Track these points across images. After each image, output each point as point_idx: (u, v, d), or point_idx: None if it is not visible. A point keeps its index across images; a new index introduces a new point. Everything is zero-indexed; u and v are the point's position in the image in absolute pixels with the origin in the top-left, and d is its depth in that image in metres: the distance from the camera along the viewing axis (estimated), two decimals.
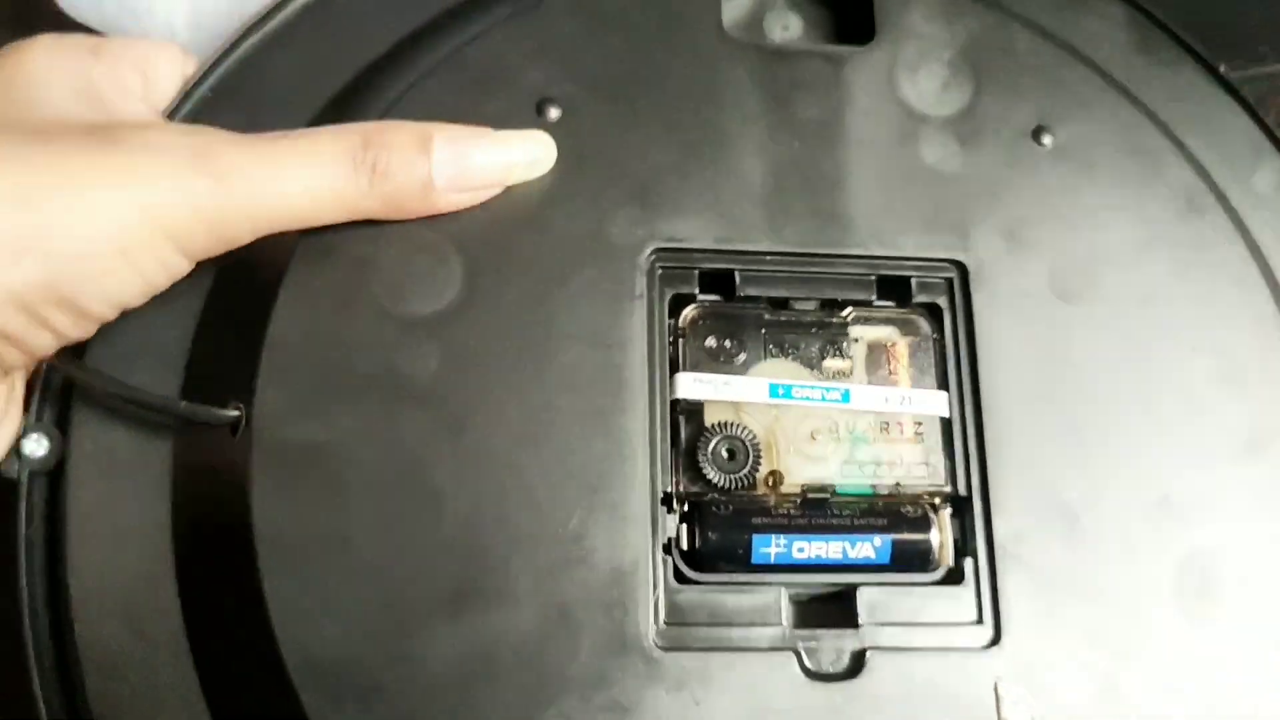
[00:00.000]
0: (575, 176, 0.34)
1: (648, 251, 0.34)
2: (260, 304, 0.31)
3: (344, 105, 0.34)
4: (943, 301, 0.36)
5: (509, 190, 0.33)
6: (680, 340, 0.34)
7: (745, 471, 0.33)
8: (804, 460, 0.34)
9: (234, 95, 0.34)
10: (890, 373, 0.35)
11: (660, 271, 0.34)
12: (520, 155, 0.33)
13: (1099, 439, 0.34)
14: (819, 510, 0.33)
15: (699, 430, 0.33)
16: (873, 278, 0.35)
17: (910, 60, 0.37)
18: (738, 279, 0.35)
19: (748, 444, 0.33)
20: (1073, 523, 0.33)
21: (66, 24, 0.37)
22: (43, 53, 0.31)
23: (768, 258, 0.35)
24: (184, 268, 0.30)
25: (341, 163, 0.30)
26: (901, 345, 0.36)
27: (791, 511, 0.33)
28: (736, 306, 0.35)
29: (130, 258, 0.28)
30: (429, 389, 0.31)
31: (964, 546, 0.34)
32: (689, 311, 0.35)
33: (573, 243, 0.33)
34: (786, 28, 0.39)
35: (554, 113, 0.34)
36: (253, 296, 0.32)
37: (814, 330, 0.35)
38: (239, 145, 0.30)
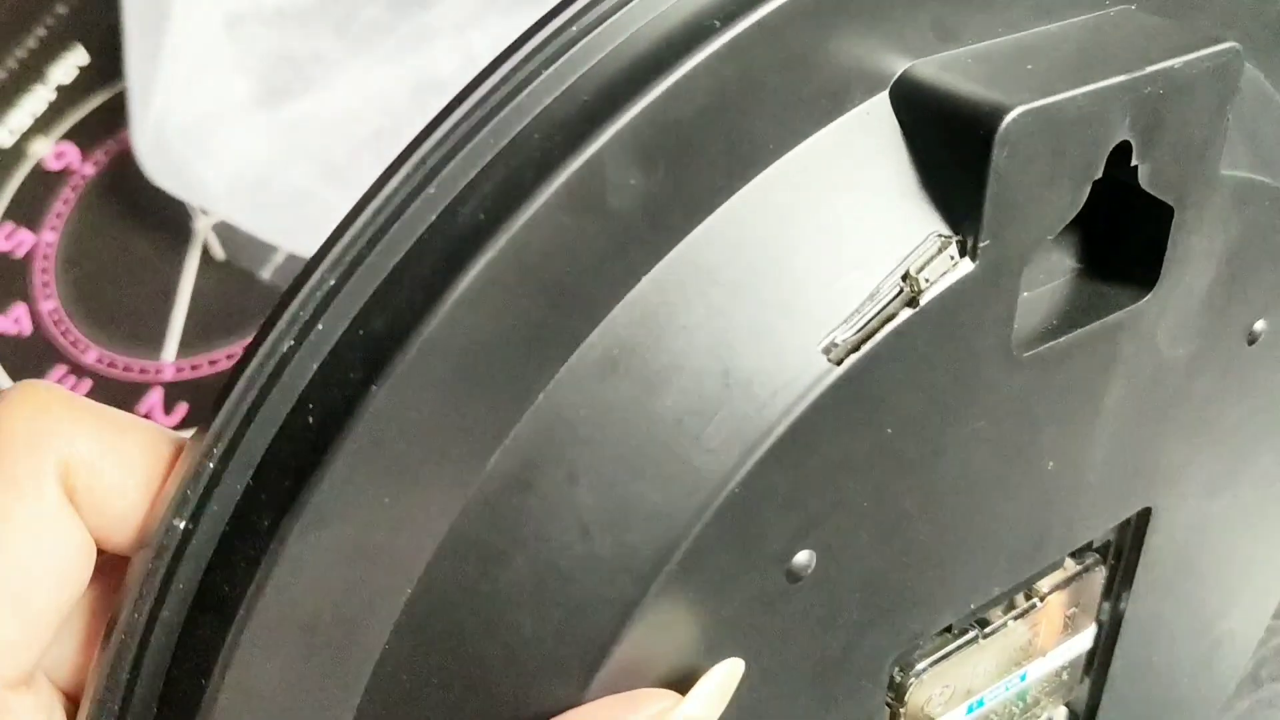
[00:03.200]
0: (827, 631, 0.26)
1: (888, 664, 0.28)
2: None
3: None
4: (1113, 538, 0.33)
5: None
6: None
7: None
8: None
9: None
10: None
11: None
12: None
13: None
14: None
15: None
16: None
17: (1185, 301, 0.29)
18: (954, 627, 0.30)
19: None
20: None
21: None
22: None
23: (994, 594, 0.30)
24: None
25: None
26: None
27: None
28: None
29: None
30: None
31: None
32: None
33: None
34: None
35: (803, 559, 0.25)
36: None
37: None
38: None
